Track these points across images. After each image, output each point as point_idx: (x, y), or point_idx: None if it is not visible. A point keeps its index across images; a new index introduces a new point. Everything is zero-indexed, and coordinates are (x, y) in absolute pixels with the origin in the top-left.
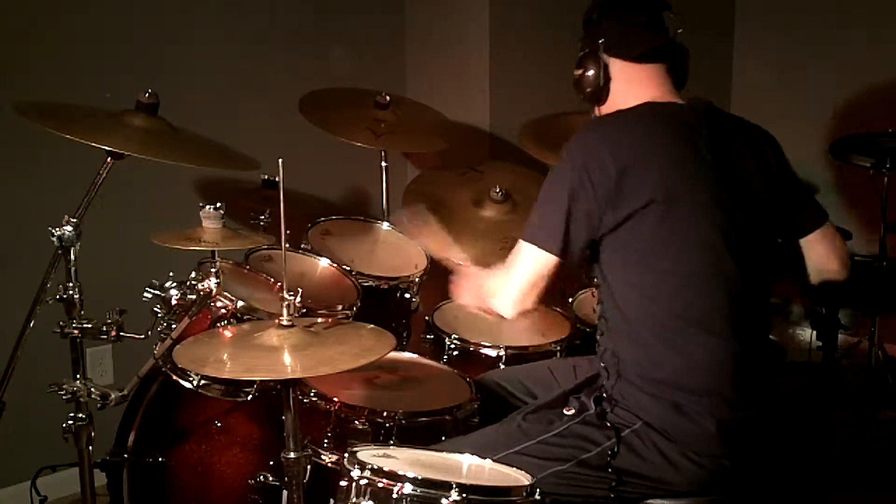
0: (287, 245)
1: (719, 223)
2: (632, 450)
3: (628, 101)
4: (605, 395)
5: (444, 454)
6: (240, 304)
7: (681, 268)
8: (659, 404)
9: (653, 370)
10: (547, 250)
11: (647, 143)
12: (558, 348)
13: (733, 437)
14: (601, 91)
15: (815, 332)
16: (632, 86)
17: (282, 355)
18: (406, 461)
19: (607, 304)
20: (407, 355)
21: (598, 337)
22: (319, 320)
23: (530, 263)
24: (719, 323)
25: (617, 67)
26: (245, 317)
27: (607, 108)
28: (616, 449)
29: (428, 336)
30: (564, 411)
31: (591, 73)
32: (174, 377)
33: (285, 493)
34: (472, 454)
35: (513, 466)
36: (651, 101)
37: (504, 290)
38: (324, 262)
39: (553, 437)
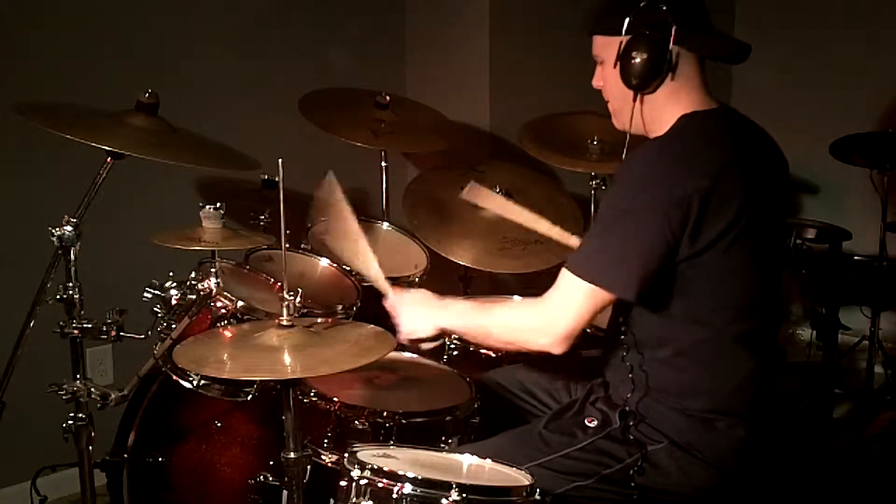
0: (287, 245)
1: (775, 244)
2: (654, 465)
3: (679, 100)
4: (627, 409)
5: (444, 454)
6: (240, 304)
7: (743, 293)
8: (689, 421)
9: (692, 395)
10: (617, 294)
11: (725, 165)
12: None
13: (753, 447)
14: (655, 81)
15: (815, 332)
16: (687, 84)
17: (282, 355)
18: (406, 461)
19: (644, 324)
20: (407, 355)
21: (622, 352)
22: (319, 320)
23: (591, 303)
24: (760, 344)
25: (685, 61)
26: (245, 317)
27: (652, 103)
28: (639, 465)
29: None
30: (587, 423)
31: (654, 59)
32: (174, 377)
33: (285, 493)
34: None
35: (530, 475)
36: (709, 110)
37: (554, 327)
38: (324, 262)
39: (577, 452)
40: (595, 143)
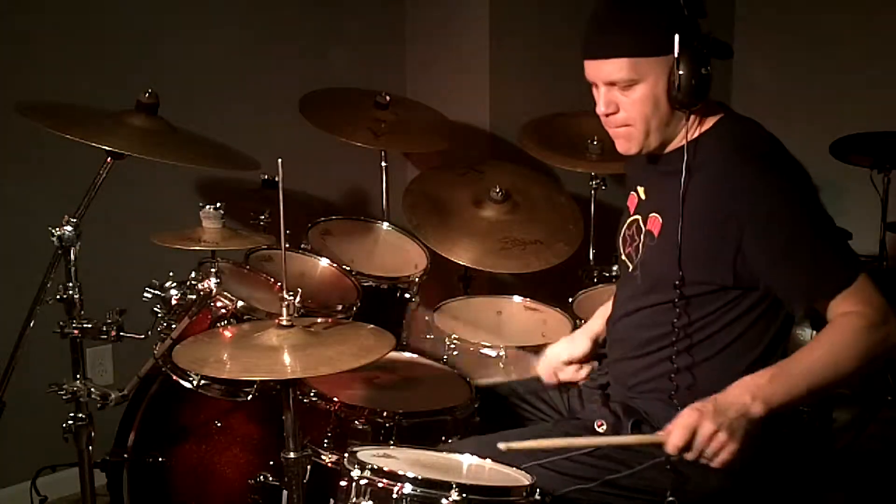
0: (287, 245)
1: None
2: (664, 471)
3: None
4: (649, 422)
5: (445, 454)
6: (240, 304)
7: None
8: None
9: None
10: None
11: None
12: None
13: (769, 449)
14: (708, 94)
15: (814, 332)
16: None
17: (282, 355)
18: (406, 461)
19: (686, 338)
20: (407, 355)
21: (669, 363)
22: (319, 320)
23: (873, 285)
24: (785, 343)
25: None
26: (245, 317)
27: (686, 116)
28: (651, 473)
29: (428, 336)
30: (596, 427)
31: (710, 71)
32: (174, 377)
33: (285, 493)
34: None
35: (532, 476)
36: (731, 110)
37: (889, 322)
38: (324, 262)
39: (582, 455)
40: (595, 143)
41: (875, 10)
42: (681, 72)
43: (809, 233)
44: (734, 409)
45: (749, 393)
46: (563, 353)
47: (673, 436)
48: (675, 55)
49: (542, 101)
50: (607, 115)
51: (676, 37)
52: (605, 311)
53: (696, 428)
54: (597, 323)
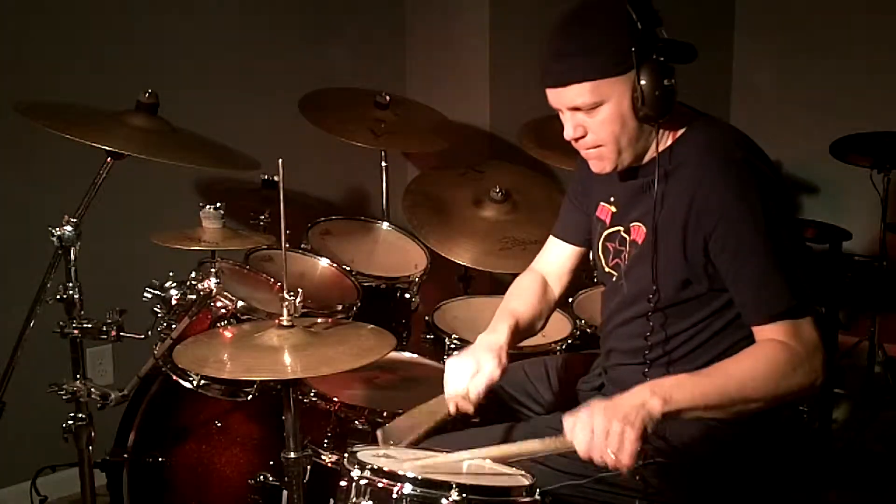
0: (287, 245)
1: None
2: (656, 474)
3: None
4: None
5: (445, 454)
6: (240, 304)
7: None
8: (698, 433)
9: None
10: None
11: None
12: (558, 348)
13: (761, 455)
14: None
15: None
16: None
17: (282, 355)
18: (406, 461)
19: (678, 348)
20: (407, 355)
21: (645, 369)
22: (319, 320)
23: (814, 324)
24: None
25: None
26: (245, 317)
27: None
28: (642, 474)
29: (428, 336)
30: None
31: (672, 81)
32: (174, 377)
33: (285, 493)
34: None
35: (528, 473)
36: (698, 110)
37: (812, 363)
38: (324, 262)
39: (573, 452)
40: None
41: (874, 10)
42: (643, 85)
43: (765, 253)
44: (628, 401)
45: (649, 388)
46: (471, 388)
47: (576, 438)
48: (636, 71)
49: (542, 101)
50: (576, 140)
51: (634, 52)
52: (507, 315)
53: (591, 426)
54: (502, 335)
